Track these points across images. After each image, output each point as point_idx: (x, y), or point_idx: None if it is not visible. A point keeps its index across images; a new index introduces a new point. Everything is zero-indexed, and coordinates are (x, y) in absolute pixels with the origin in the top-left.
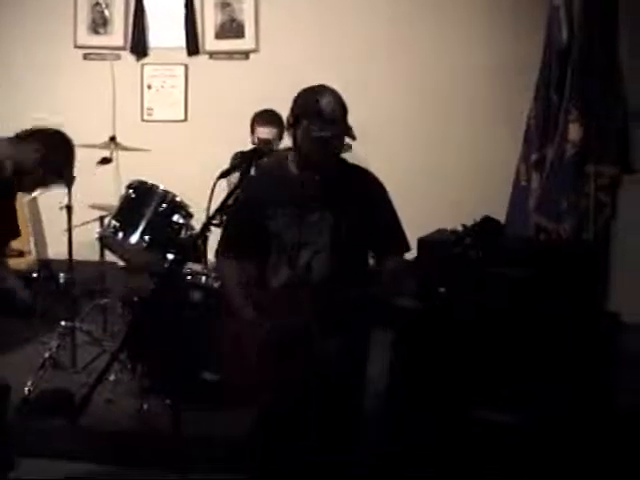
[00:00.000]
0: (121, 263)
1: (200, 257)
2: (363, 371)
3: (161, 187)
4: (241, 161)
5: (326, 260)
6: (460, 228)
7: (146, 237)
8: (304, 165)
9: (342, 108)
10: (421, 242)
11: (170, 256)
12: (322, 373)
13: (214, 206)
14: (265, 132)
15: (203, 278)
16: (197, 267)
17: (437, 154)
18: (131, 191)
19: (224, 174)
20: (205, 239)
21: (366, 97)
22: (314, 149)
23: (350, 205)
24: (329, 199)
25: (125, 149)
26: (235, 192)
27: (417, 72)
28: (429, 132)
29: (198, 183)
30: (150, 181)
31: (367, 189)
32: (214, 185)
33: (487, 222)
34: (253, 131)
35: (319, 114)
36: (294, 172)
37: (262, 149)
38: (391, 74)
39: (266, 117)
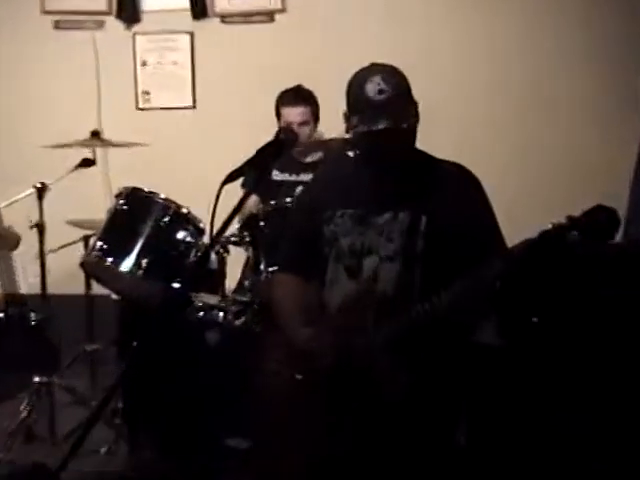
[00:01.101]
0: (113, 296)
1: (216, 286)
2: (440, 427)
3: (162, 196)
4: (256, 158)
5: (397, 270)
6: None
7: (143, 262)
8: (367, 162)
9: (396, 87)
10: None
11: (176, 285)
12: (389, 429)
13: (220, 217)
14: (293, 114)
15: (220, 314)
16: (212, 299)
17: (532, 154)
18: (122, 202)
19: (232, 177)
20: (222, 263)
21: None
22: (371, 147)
23: (432, 204)
24: (404, 196)
25: (114, 146)
26: (241, 207)
27: (513, 66)
28: (524, 131)
29: (211, 189)
30: (147, 188)
31: (457, 186)
32: (219, 192)
33: (600, 211)
34: (279, 115)
35: (366, 103)
36: (356, 165)
37: (284, 138)
38: (481, 66)
39: (293, 95)
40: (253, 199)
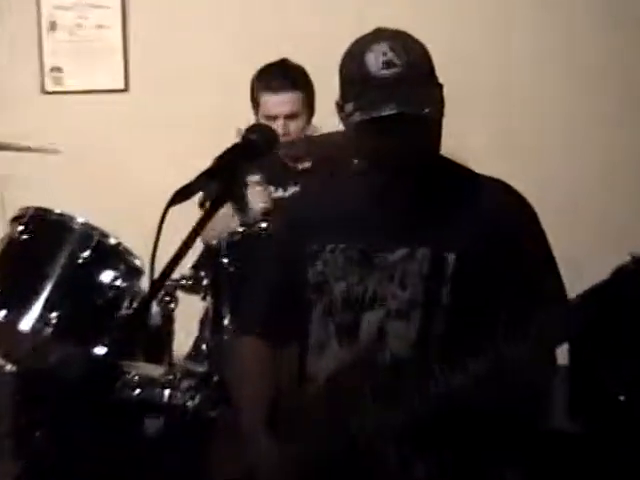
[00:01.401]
0: (8, 366)
1: (160, 352)
2: None
3: (80, 219)
4: (215, 167)
5: (413, 329)
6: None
7: (53, 316)
8: (369, 169)
9: (411, 58)
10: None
11: (100, 351)
12: None
13: (165, 250)
14: (278, 102)
15: (165, 392)
16: (154, 371)
17: (605, 169)
18: (22, 229)
19: (182, 193)
20: (168, 317)
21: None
22: (373, 145)
23: (464, 237)
24: (423, 225)
25: (7, 150)
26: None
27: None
28: (601, 141)
29: (151, 209)
30: (59, 209)
31: (500, 213)
32: (164, 215)
33: None
34: (256, 104)
35: (367, 80)
36: (355, 178)
37: (257, 139)
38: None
39: (278, 75)
40: (221, 222)
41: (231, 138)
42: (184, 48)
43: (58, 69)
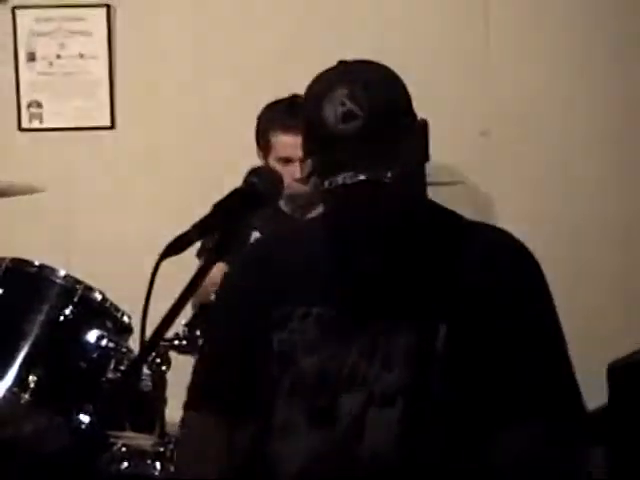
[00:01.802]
0: None
1: (151, 420)
2: None
3: (61, 272)
4: (213, 216)
5: (400, 420)
6: None
7: (30, 380)
8: (341, 235)
9: (377, 103)
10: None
11: (84, 418)
12: None
13: (159, 306)
14: (297, 144)
15: (157, 465)
16: (144, 441)
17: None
18: None
19: (177, 245)
20: (161, 381)
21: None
22: (335, 209)
23: (458, 303)
24: (409, 290)
25: None
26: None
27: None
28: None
29: (141, 260)
30: (38, 260)
31: (501, 271)
32: (156, 268)
33: None
34: (266, 145)
35: (325, 136)
36: (330, 234)
37: (262, 186)
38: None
39: (294, 115)
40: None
41: (225, 182)
42: (179, 80)
43: (37, 104)
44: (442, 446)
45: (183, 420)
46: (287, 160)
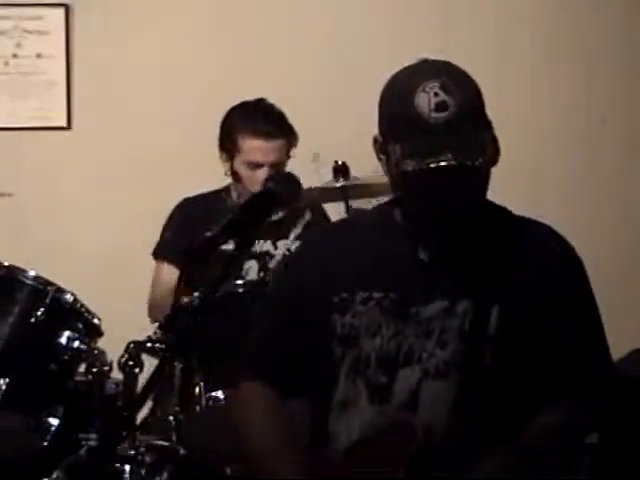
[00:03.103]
0: None
1: (121, 422)
2: None
3: (31, 273)
4: (237, 220)
5: (452, 393)
6: None
7: (1, 383)
8: (413, 216)
9: (466, 98)
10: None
11: (53, 422)
12: None
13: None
14: (269, 150)
15: (126, 468)
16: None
17: None
18: None
19: (199, 251)
20: (132, 383)
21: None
22: (422, 193)
23: (509, 287)
24: (465, 278)
25: None
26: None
27: None
28: None
29: (103, 259)
30: (6, 260)
31: (549, 261)
32: (181, 275)
33: None
34: (231, 147)
35: (418, 124)
36: (394, 225)
37: (279, 190)
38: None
39: (265, 121)
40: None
41: (187, 182)
42: (136, 81)
43: None
44: (489, 415)
45: (238, 392)
46: (256, 165)
